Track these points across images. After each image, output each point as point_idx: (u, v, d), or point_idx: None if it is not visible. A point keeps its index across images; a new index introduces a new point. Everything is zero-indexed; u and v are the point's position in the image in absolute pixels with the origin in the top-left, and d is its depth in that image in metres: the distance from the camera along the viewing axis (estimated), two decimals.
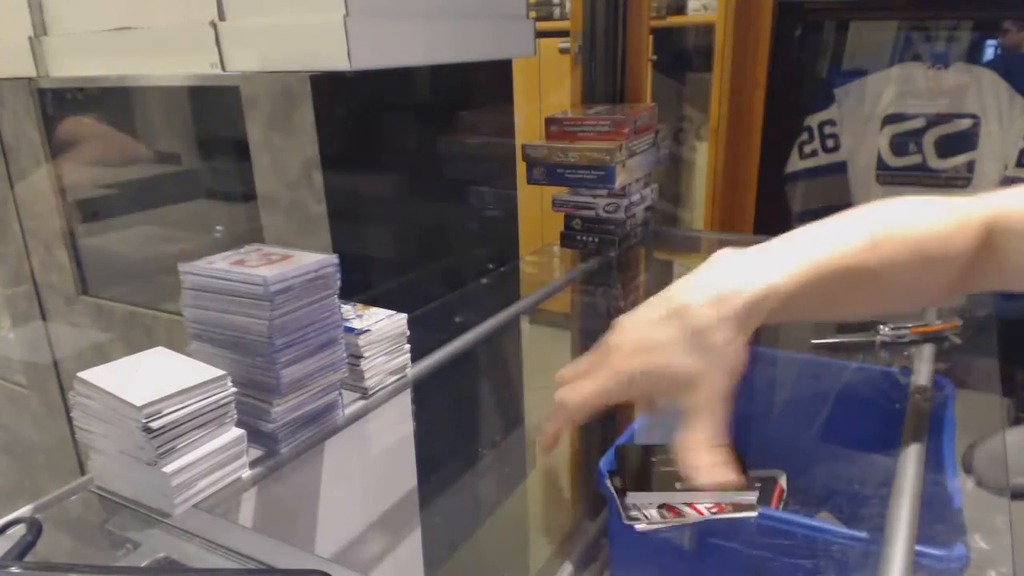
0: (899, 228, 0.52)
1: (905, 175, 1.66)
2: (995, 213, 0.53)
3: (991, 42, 1.60)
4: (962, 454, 0.70)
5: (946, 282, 0.55)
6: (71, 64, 1.01)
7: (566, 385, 0.57)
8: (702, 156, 2.38)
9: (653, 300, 0.53)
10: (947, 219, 0.53)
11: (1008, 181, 1.55)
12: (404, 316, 0.72)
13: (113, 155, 0.90)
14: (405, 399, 0.76)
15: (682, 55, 2.50)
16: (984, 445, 0.69)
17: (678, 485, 0.61)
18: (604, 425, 1.43)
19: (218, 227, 1.08)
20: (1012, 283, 0.54)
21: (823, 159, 1.71)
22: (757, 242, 0.54)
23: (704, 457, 0.50)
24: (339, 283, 0.62)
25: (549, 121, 1.03)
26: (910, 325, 0.84)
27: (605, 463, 0.89)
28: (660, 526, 0.68)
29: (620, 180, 0.99)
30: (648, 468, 0.64)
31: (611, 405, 0.57)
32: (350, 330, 0.67)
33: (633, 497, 0.63)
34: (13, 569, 0.44)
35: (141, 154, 0.96)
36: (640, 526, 0.65)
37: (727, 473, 0.50)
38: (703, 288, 0.51)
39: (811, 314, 0.55)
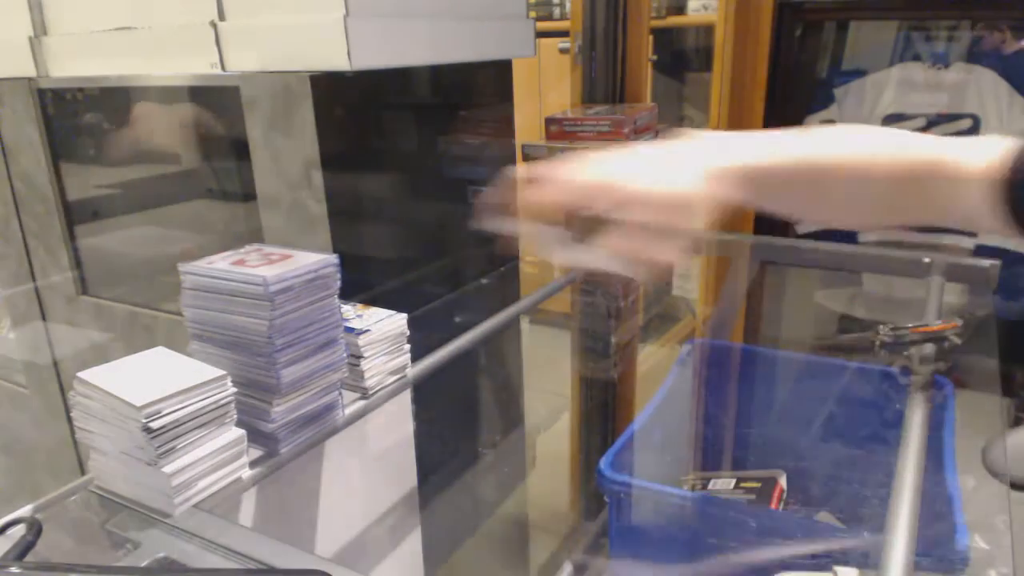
0: (862, 149, 0.58)
1: None
2: (937, 156, 0.56)
3: (992, 41, 1.60)
4: (982, 449, 0.70)
5: (879, 206, 0.59)
6: (71, 64, 1.01)
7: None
8: None
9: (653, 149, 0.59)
10: (894, 150, 0.57)
11: None
12: (404, 316, 0.72)
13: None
14: (405, 399, 0.76)
15: (682, 55, 2.51)
16: (999, 441, 0.69)
17: None
18: (604, 425, 1.43)
19: (217, 227, 1.08)
20: (938, 221, 0.58)
21: None
22: (758, 242, 0.56)
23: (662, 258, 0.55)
24: (339, 283, 0.62)
25: (549, 121, 1.03)
26: (910, 325, 0.84)
27: (605, 463, 0.89)
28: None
29: None
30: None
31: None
32: (350, 330, 0.67)
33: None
34: (13, 569, 0.44)
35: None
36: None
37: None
38: (700, 151, 0.58)
39: (788, 203, 0.61)
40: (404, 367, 0.73)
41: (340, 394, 0.65)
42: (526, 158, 1.04)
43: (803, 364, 1.12)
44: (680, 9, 2.33)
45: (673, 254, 0.55)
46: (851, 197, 0.59)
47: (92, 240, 1.22)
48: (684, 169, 0.56)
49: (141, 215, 1.20)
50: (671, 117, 2.45)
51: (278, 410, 0.59)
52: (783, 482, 1.02)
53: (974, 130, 1.58)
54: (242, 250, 0.62)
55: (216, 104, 1.01)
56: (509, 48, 1.01)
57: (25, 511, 0.53)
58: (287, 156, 0.87)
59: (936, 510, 0.71)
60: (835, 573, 0.66)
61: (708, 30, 2.25)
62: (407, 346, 0.73)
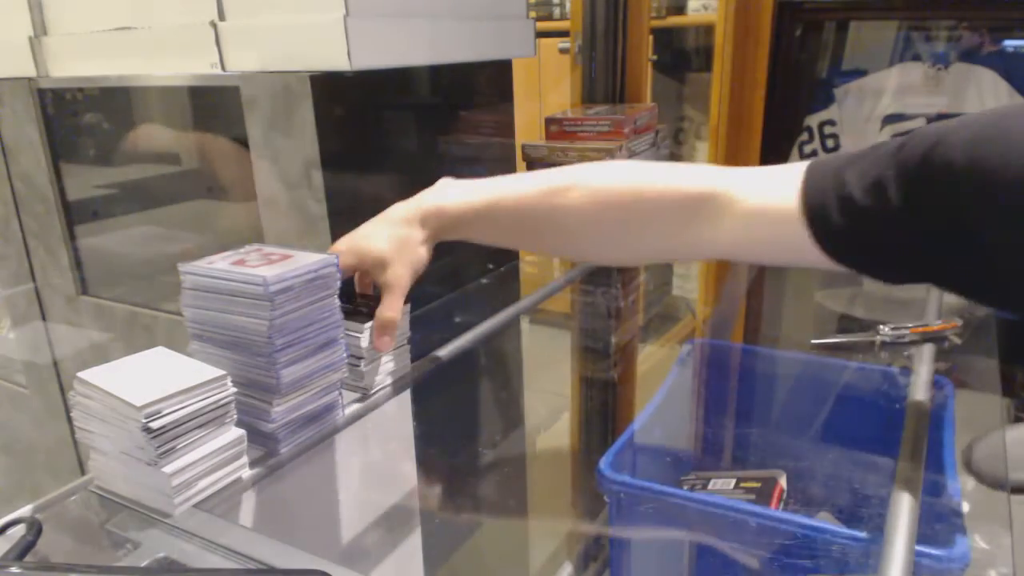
0: (588, 182, 0.61)
1: None
2: (712, 188, 0.57)
3: (990, 42, 1.60)
4: (962, 451, 0.70)
5: (649, 241, 0.62)
6: (71, 64, 1.01)
7: None
8: (702, 156, 2.38)
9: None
10: (657, 180, 0.60)
11: None
12: (406, 318, 0.72)
13: None
14: (405, 399, 0.76)
15: (682, 55, 2.51)
16: (984, 441, 0.69)
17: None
18: (604, 425, 1.43)
19: (217, 227, 1.08)
20: (721, 254, 0.60)
21: None
22: None
23: (384, 332, 0.66)
24: (339, 283, 0.62)
25: (549, 121, 1.03)
26: (910, 325, 0.84)
27: (605, 463, 0.89)
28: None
29: None
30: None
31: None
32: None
33: None
34: (13, 569, 0.44)
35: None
36: None
37: (390, 344, 0.67)
38: (409, 201, 0.68)
39: (492, 239, 0.68)
40: (404, 367, 0.73)
41: (340, 394, 0.65)
42: (526, 158, 1.04)
43: (803, 364, 1.12)
44: (680, 9, 2.33)
45: (390, 309, 0.66)
46: (600, 230, 0.62)
47: (92, 240, 1.22)
48: (378, 226, 0.67)
49: (141, 215, 1.20)
50: (671, 117, 2.45)
51: (278, 410, 0.59)
52: (783, 482, 1.02)
53: None
54: (242, 250, 0.62)
55: (216, 104, 1.01)
56: (509, 48, 1.01)
57: (25, 511, 0.53)
58: (287, 156, 0.87)
59: (936, 510, 0.71)
60: None
61: (708, 30, 2.25)
62: (407, 346, 0.73)
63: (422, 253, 0.67)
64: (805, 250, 0.54)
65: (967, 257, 0.49)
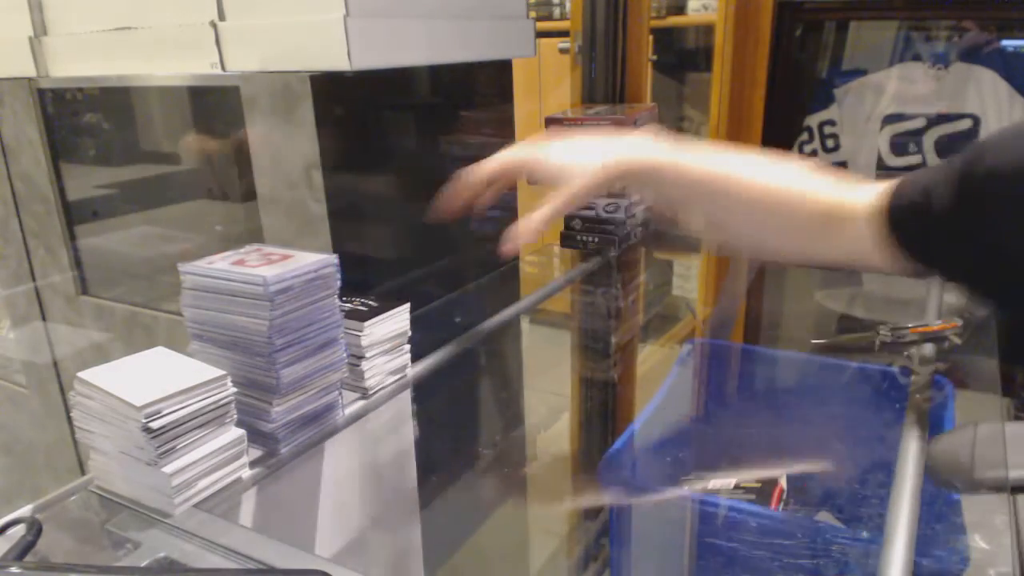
0: (772, 174, 0.65)
1: (904, 174, 1.66)
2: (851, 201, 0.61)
3: (991, 41, 1.60)
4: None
5: (798, 238, 0.65)
6: (71, 64, 1.01)
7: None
8: None
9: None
10: (816, 190, 0.63)
11: None
12: (406, 317, 0.72)
13: None
14: (405, 399, 0.76)
15: (682, 55, 2.50)
16: (940, 441, 0.69)
17: None
18: (604, 425, 1.43)
19: (217, 227, 1.08)
20: (853, 264, 0.64)
21: (823, 159, 1.71)
22: None
23: (531, 220, 0.69)
24: (339, 283, 0.62)
25: (549, 121, 1.03)
26: (910, 325, 0.84)
27: (605, 463, 0.89)
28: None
29: None
30: None
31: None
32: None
33: None
34: (13, 569, 0.44)
35: None
36: None
37: (531, 234, 0.69)
38: (614, 141, 0.71)
39: (684, 199, 0.70)
40: (404, 367, 0.73)
41: (340, 394, 0.65)
42: None
43: (803, 364, 1.12)
44: (680, 9, 2.33)
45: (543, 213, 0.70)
46: (746, 216, 0.66)
47: (92, 240, 1.22)
48: (588, 154, 0.70)
49: (141, 215, 1.20)
50: (671, 117, 2.45)
51: (278, 410, 0.59)
52: (783, 482, 1.02)
53: (974, 130, 1.58)
54: (242, 250, 0.62)
55: (216, 104, 1.01)
56: (509, 48, 1.01)
57: (25, 511, 0.53)
58: (287, 156, 0.87)
59: (936, 510, 0.71)
60: None
61: (708, 30, 2.25)
62: (407, 346, 0.73)
63: (600, 188, 0.71)
64: (891, 258, 0.58)
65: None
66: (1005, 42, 1.58)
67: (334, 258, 0.61)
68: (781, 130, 1.69)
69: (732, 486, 1.03)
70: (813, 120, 1.71)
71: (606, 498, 0.88)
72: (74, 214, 1.21)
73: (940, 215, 0.54)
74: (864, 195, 0.60)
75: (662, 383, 1.10)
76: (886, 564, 0.49)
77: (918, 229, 0.56)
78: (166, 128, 1.13)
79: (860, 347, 0.88)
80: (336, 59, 0.76)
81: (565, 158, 0.71)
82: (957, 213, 0.53)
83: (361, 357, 0.68)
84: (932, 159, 1.62)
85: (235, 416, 0.56)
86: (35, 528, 0.50)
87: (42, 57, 1.03)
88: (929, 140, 1.62)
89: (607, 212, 1.05)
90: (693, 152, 0.67)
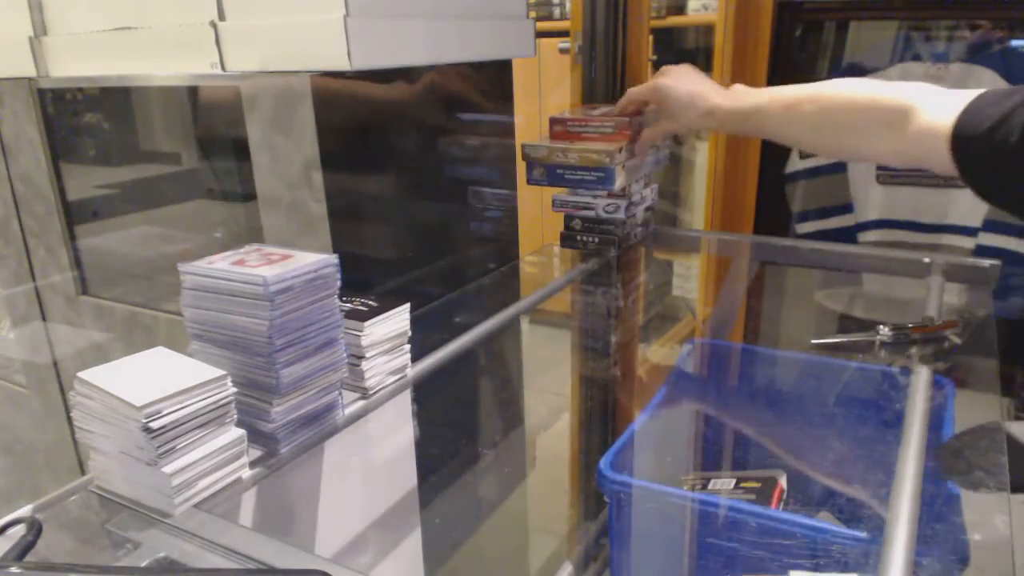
0: (823, 91, 0.81)
1: (904, 175, 1.66)
2: (903, 102, 0.71)
3: (991, 41, 1.60)
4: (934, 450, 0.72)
5: (887, 142, 0.75)
6: (71, 64, 1.01)
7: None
8: (702, 156, 2.37)
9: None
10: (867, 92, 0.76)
11: None
12: (406, 317, 0.72)
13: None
14: (405, 399, 0.76)
15: (682, 55, 2.50)
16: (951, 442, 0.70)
17: None
18: (604, 425, 1.43)
19: (217, 228, 1.08)
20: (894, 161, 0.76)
21: (823, 159, 1.71)
22: (758, 242, 0.59)
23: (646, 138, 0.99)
24: (339, 283, 0.62)
25: (553, 121, 1.03)
26: (910, 325, 0.84)
27: (605, 463, 0.89)
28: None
29: (620, 181, 0.99)
30: None
31: None
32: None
33: None
34: (13, 569, 0.44)
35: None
36: None
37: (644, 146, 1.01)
38: (720, 92, 0.92)
39: (773, 128, 0.87)
40: (404, 367, 0.73)
41: (340, 394, 0.65)
42: (526, 158, 1.04)
43: (803, 364, 1.12)
44: (680, 9, 2.33)
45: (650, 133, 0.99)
46: (825, 125, 0.79)
47: (92, 240, 1.22)
48: (701, 97, 0.91)
49: (141, 215, 1.20)
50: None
51: (278, 410, 0.59)
52: (783, 482, 1.02)
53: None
54: (242, 250, 0.62)
55: (216, 104, 1.01)
56: (509, 48, 1.01)
57: (25, 511, 0.53)
58: (287, 156, 0.87)
59: (936, 510, 0.71)
60: None
61: (708, 30, 2.25)
62: (407, 346, 0.73)
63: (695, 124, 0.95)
64: (949, 167, 0.65)
65: None
66: (1005, 42, 1.58)
67: (334, 258, 0.61)
68: None
69: (732, 486, 1.03)
70: None
71: (606, 498, 0.88)
72: (74, 214, 1.21)
73: (1005, 152, 0.59)
74: (941, 108, 0.66)
75: (662, 383, 1.10)
76: (886, 564, 0.49)
77: (979, 161, 0.62)
78: (166, 128, 1.13)
79: (860, 347, 0.88)
80: (336, 59, 0.76)
81: (685, 95, 0.92)
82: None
83: (361, 357, 0.68)
84: None
85: (235, 416, 0.56)
86: (35, 528, 0.50)
87: (42, 57, 1.03)
88: None
89: (607, 212, 1.05)
90: (772, 91, 0.85)
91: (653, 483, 0.87)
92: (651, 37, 1.48)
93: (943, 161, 0.66)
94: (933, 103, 0.68)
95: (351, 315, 0.68)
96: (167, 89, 1.06)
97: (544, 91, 2.47)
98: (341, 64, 0.76)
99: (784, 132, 0.87)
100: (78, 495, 0.56)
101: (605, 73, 1.28)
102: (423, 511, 0.87)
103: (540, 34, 1.09)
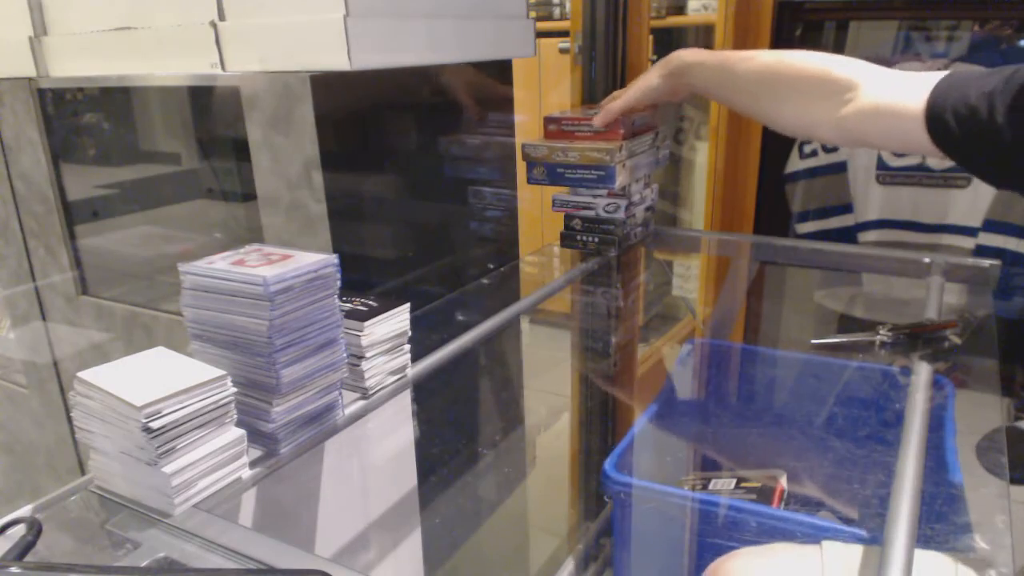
0: (777, 57, 0.82)
1: (904, 175, 1.66)
2: (851, 77, 0.75)
3: (991, 41, 1.60)
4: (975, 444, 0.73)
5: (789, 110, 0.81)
6: (71, 64, 1.01)
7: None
8: (702, 156, 2.37)
9: None
10: (813, 62, 0.78)
11: None
12: (406, 317, 0.72)
13: None
14: (405, 399, 0.76)
15: None
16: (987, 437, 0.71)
17: None
18: (604, 425, 1.43)
19: (216, 236, 1.08)
20: (842, 134, 0.77)
21: (823, 159, 1.71)
22: (758, 242, 0.59)
23: (610, 111, 0.97)
24: (339, 283, 0.62)
25: (548, 120, 1.03)
26: (910, 325, 0.84)
27: (610, 464, 0.89)
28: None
29: (620, 180, 0.99)
30: None
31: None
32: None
33: None
34: (13, 569, 0.44)
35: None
36: None
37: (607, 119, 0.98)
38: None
39: (720, 93, 0.92)
40: (404, 367, 0.73)
41: (340, 394, 0.65)
42: (526, 158, 1.04)
43: (803, 364, 1.12)
44: (680, 9, 2.33)
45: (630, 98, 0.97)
46: (790, 103, 0.80)
47: (92, 240, 1.22)
48: (651, 71, 0.95)
49: (141, 215, 1.20)
50: (671, 117, 2.45)
51: (278, 410, 0.59)
52: (783, 482, 1.02)
53: None
54: (242, 250, 0.62)
55: (216, 104, 1.01)
56: (509, 48, 1.01)
57: (25, 511, 0.53)
58: (287, 156, 0.87)
59: (936, 510, 0.71)
60: (822, 547, 0.67)
61: (708, 30, 2.24)
62: (407, 346, 0.73)
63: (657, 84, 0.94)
64: (919, 143, 0.69)
65: None
66: (1004, 41, 1.58)
67: (334, 258, 0.61)
68: None
69: (733, 486, 1.03)
70: None
71: (606, 498, 0.88)
72: (74, 214, 1.21)
73: (985, 128, 0.63)
74: (874, 79, 0.72)
75: (662, 383, 1.10)
76: (886, 564, 0.49)
77: (959, 135, 0.66)
78: (166, 128, 1.13)
79: (860, 347, 0.88)
80: (336, 59, 0.76)
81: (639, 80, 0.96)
82: (1006, 128, 0.62)
83: (361, 357, 0.68)
84: (932, 159, 1.62)
85: (235, 416, 0.56)
86: (35, 528, 0.50)
87: (42, 57, 1.03)
88: None
89: (607, 212, 1.05)
90: (728, 53, 0.87)
91: (656, 484, 0.88)
92: (651, 37, 1.48)
93: (908, 139, 0.70)
94: (881, 81, 0.73)
95: (351, 315, 0.68)
96: (167, 89, 1.06)
97: (544, 91, 2.47)
98: (341, 64, 0.76)
99: (720, 93, 0.91)
100: (78, 495, 0.56)
101: (605, 73, 1.28)
102: (423, 511, 0.87)
103: (540, 34, 1.09)
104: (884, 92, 0.72)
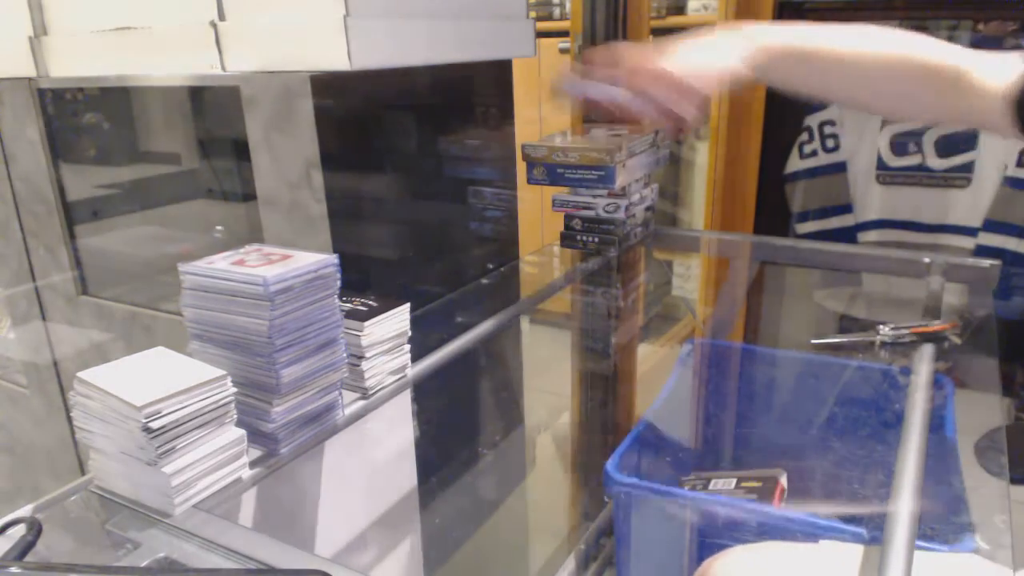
0: (894, 43, 0.70)
1: (905, 175, 1.66)
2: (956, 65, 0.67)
3: (992, 40, 1.60)
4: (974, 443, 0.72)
5: (931, 99, 0.70)
6: (71, 64, 1.01)
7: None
8: (702, 156, 2.37)
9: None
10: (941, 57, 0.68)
11: (1009, 181, 1.55)
12: (406, 317, 0.72)
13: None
14: (405, 399, 0.76)
15: None
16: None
17: None
18: (604, 425, 1.43)
19: (218, 228, 1.08)
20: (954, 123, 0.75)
21: (823, 159, 1.71)
22: (758, 242, 0.58)
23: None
24: (339, 283, 0.62)
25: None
26: (910, 325, 0.84)
27: (612, 465, 0.89)
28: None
29: (620, 180, 0.99)
30: None
31: None
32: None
33: None
34: (13, 569, 0.44)
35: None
36: None
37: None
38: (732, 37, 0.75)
39: (796, 81, 0.74)
40: (404, 367, 0.73)
41: (340, 394, 0.65)
42: (526, 158, 1.04)
43: (803, 364, 1.12)
44: (680, 9, 2.33)
45: (689, 111, 0.72)
46: (873, 84, 0.71)
47: (92, 240, 1.22)
48: (715, 50, 0.73)
49: (141, 215, 1.20)
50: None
51: (278, 410, 0.59)
52: (784, 482, 1.02)
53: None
54: (242, 250, 0.62)
55: (216, 104, 1.01)
56: (509, 48, 1.01)
57: (25, 511, 0.53)
58: (287, 156, 0.87)
59: (936, 510, 0.71)
60: (819, 546, 0.67)
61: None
62: (407, 346, 0.73)
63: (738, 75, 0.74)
64: (995, 124, 0.64)
65: None
66: (1006, 41, 1.58)
67: (334, 258, 0.61)
68: (781, 129, 1.69)
69: (733, 485, 1.03)
70: (813, 120, 1.70)
71: (606, 498, 0.88)
72: (74, 214, 1.21)
73: None
74: (996, 71, 0.65)
75: (663, 383, 1.10)
76: (886, 563, 0.49)
77: None
78: (166, 128, 1.13)
79: (860, 347, 0.88)
80: (336, 59, 0.76)
81: (691, 64, 0.73)
82: None
83: (361, 357, 0.68)
84: (932, 159, 1.62)
85: (235, 416, 0.56)
86: (35, 528, 0.50)
87: (42, 57, 1.03)
88: (929, 140, 1.62)
89: (607, 212, 1.05)
90: (805, 31, 0.72)
91: (657, 484, 0.88)
92: (651, 37, 1.48)
93: (985, 119, 0.65)
94: (985, 65, 0.66)
95: (351, 315, 0.68)
96: (167, 89, 1.06)
97: (544, 91, 2.47)
98: (341, 64, 0.76)
99: (803, 89, 0.75)
100: (78, 495, 0.56)
101: None
102: (423, 511, 0.87)
103: (540, 34, 1.09)
104: (991, 74, 0.65)
